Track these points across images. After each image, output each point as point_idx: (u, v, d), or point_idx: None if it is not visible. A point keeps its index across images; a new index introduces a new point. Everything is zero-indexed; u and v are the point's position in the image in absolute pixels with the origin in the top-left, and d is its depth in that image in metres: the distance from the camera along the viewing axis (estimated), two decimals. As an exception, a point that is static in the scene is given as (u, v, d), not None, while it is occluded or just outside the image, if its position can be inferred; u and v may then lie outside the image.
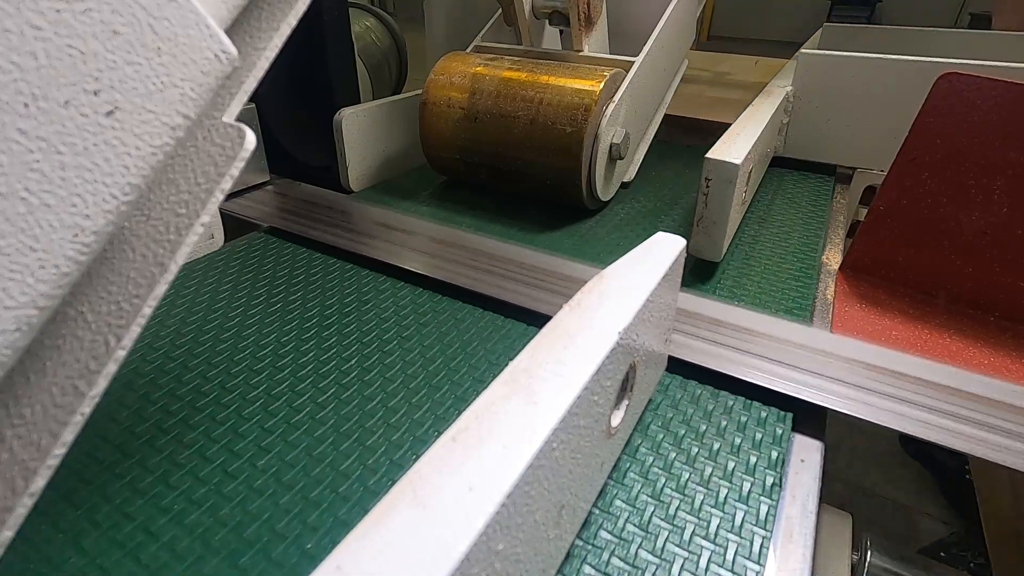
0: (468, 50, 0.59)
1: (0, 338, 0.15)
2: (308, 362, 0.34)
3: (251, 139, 0.19)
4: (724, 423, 0.31)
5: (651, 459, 0.29)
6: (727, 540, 0.25)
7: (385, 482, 0.27)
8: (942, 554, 0.99)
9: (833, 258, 0.48)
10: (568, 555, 0.24)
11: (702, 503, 0.26)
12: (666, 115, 0.65)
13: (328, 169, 0.58)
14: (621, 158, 0.52)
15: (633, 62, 0.52)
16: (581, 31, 0.55)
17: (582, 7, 0.54)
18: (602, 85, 0.48)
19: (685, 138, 0.74)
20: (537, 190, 0.54)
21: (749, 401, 0.32)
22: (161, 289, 0.18)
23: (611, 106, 0.49)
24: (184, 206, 0.19)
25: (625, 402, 0.26)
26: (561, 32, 0.65)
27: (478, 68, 0.53)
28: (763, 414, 0.31)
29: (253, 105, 0.53)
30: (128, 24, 0.16)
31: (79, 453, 0.28)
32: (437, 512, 0.14)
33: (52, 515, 0.25)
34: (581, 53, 0.55)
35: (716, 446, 0.29)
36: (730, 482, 0.27)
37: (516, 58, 0.54)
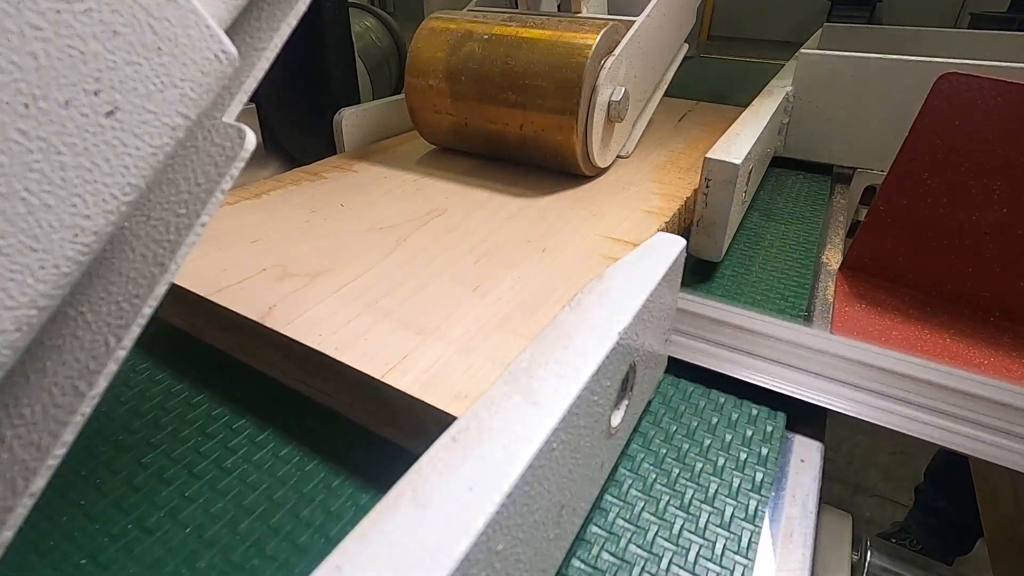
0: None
1: (0, 338, 0.15)
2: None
3: (251, 139, 0.19)
4: (722, 423, 0.31)
5: (636, 481, 0.29)
6: (729, 531, 0.25)
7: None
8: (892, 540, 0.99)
9: (833, 258, 0.48)
10: None
11: (699, 498, 0.26)
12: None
13: (328, 169, 0.58)
14: (620, 120, 0.50)
15: (635, 21, 0.51)
16: None
17: (581, -34, 0.52)
18: (600, 34, 0.46)
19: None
20: (530, 150, 0.51)
21: (747, 401, 0.32)
22: (161, 289, 0.18)
23: (611, 59, 0.47)
24: (184, 206, 0.19)
25: (625, 402, 0.26)
26: (559, 6, 0.64)
27: (470, 22, 0.51)
28: (757, 413, 0.31)
29: (253, 105, 0.53)
30: (128, 24, 0.16)
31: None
32: (437, 512, 0.14)
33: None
34: (580, 15, 0.54)
35: (714, 445, 0.29)
36: (730, 471, 0.27)
37: (511, 14, 0.52)
